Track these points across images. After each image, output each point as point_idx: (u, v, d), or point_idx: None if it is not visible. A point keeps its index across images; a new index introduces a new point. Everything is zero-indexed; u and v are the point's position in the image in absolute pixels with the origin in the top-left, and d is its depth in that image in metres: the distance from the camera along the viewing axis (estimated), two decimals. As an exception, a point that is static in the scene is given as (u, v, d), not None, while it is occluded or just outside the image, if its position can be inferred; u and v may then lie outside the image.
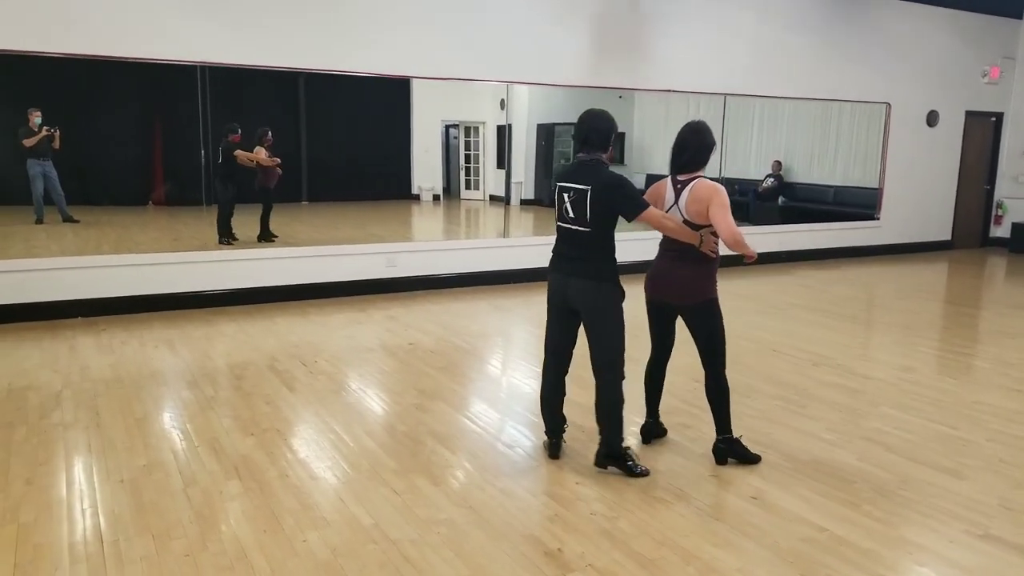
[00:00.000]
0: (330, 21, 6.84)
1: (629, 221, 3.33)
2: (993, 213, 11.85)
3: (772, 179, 10.93)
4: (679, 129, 3.54)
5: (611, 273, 3.39)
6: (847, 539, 2.96)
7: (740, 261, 3.77)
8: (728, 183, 9.75)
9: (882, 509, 3.22)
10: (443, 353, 5.47)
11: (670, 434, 3.95)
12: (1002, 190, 11.75)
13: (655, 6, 8.47)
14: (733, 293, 7.68)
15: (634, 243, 4.84)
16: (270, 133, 7.86)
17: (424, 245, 8.03)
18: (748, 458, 3.63)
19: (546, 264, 3.56)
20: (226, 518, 3.05)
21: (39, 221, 7.31)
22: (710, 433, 3.68)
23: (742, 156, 10.73)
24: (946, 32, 10.71)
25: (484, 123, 10.39)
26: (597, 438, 3.54)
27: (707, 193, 3.39)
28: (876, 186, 10.69)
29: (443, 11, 7.33)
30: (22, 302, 6.00)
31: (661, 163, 3.64)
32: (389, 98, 9.41)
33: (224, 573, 2.66)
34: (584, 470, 3.52)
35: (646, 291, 3.67)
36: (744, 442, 3.66)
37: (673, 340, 3.77)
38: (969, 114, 11.26)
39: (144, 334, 5.79)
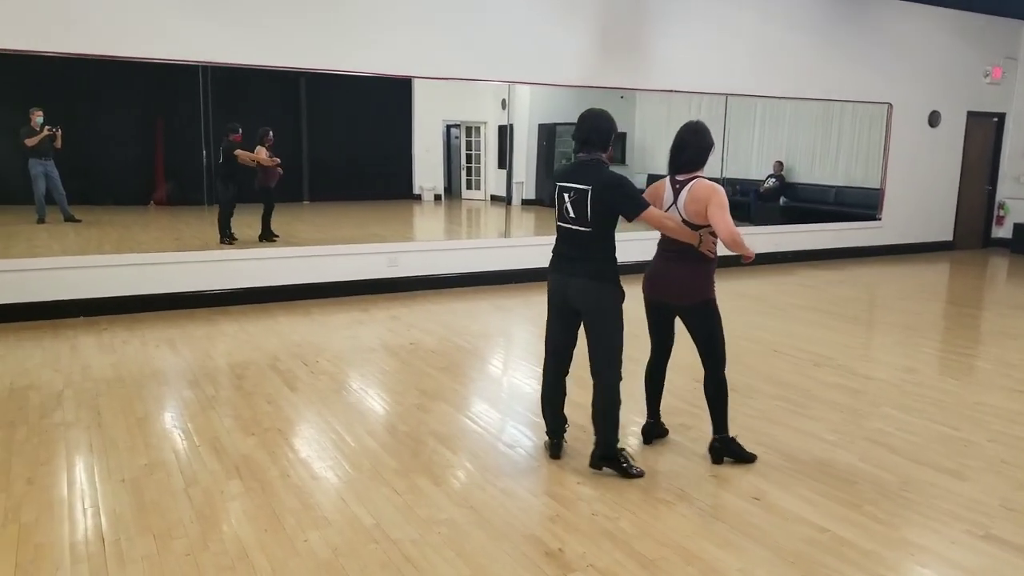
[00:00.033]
0: (331, 21, 6.83)
1: (629, 221, 3.33)
2: (995, 214, 11.84)
3: (773, 179, 10.92)
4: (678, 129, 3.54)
5: (611, 273, 3.39)
6: (848, 540, 2.96)
7: (739, 261, 3.77)
8: (729, 183, 9.78)
9: (883, 510, 3.21)
10: (444, 353, 5.48)
11: (671, 434, 3.95)
12: (1004, 191, 11.74)
13: (656, 6, 8.47)
14: (734, 293, 7.68)
15: (634, 243, 4.84)
16: (271, 133, 7.87)
17: (425, 245, 8.04)
18: (744, 457, 3.64)
19: (547, 264, 3.56)
20: (227, 518, 3.05)
21: (41, 221, 7.31)
22: (711, 433, 3.68)
23: (743, 156, 10.72)
24: (948, 32, 10.70)
25: (485, 123, 10.37)
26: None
27: (705, 193, 3.39)
28: (878, 186, 10.67)
29: (444, 11, 7.33)
30: (24, 301, 6.01)
31: (662, 163, 3.64)
32: (390, 98, 9.41)
33: (225, 573, 2.66)
34: (585, 470, 3.52)
35: (644, 291, 3.67)
36: (740, 441, 3.67)
37: (673, 340, 3.77)
38: (971, 114, 11.24)
39: (145, 333, 5.79)
